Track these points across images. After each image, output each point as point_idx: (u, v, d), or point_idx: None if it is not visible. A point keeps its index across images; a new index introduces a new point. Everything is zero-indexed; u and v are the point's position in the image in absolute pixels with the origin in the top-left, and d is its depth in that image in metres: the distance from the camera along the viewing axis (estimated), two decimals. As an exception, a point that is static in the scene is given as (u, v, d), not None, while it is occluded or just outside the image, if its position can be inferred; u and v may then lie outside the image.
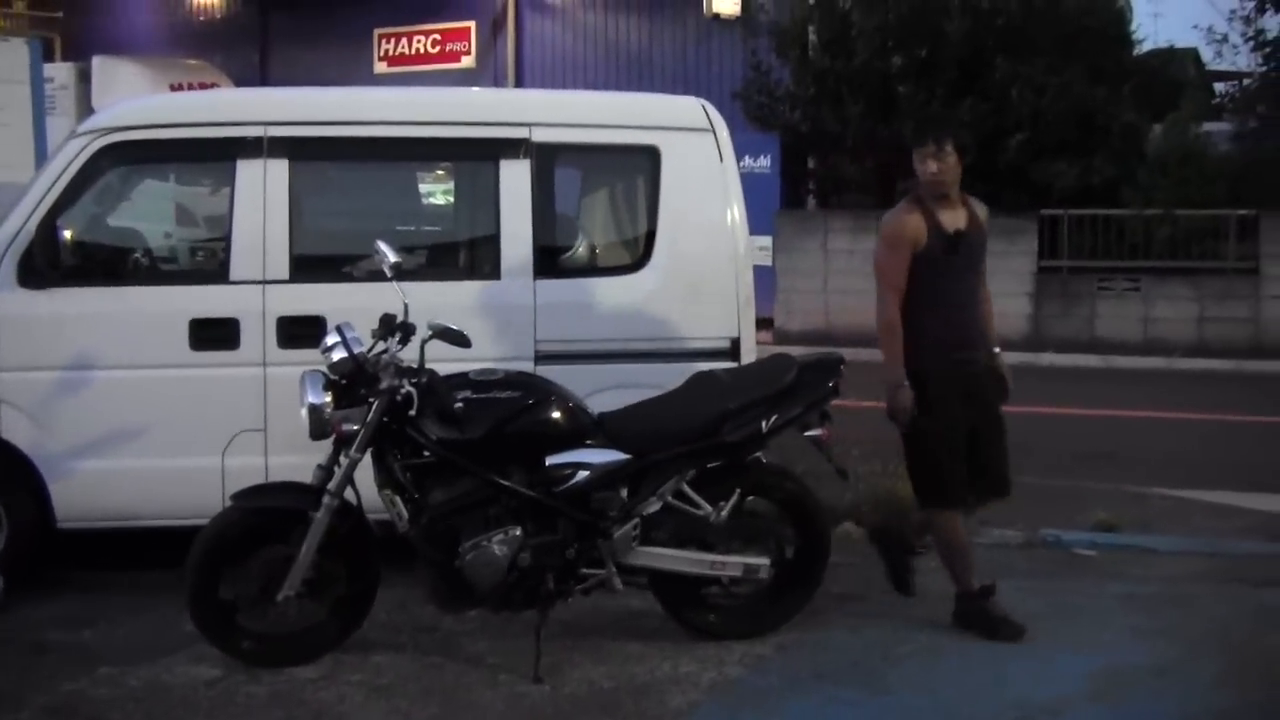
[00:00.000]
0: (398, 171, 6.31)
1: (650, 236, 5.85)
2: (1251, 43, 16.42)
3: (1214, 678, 4.70)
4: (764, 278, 12.63)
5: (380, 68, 21.50)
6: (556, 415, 4.72)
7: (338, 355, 4.58)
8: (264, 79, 21.64)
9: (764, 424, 4.85)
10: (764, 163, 16.13)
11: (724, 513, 4.86)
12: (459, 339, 4.68)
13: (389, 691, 4.50)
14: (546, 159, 5.77)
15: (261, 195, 5.51)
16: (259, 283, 5.47)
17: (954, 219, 5.04)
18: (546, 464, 4.70)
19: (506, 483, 4.63)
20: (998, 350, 5.23)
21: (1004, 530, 6.30)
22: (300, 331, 5.37)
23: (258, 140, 5.54)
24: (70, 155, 5.47)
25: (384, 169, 6.13)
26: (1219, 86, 19.27)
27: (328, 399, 4.56)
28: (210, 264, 6.03)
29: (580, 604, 4.93)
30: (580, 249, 6.14)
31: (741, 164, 6.45)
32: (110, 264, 5.72)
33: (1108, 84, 15.08)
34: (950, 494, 5.05)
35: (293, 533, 4.58)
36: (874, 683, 4.63)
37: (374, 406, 4.54)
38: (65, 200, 5.43)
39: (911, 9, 15.26)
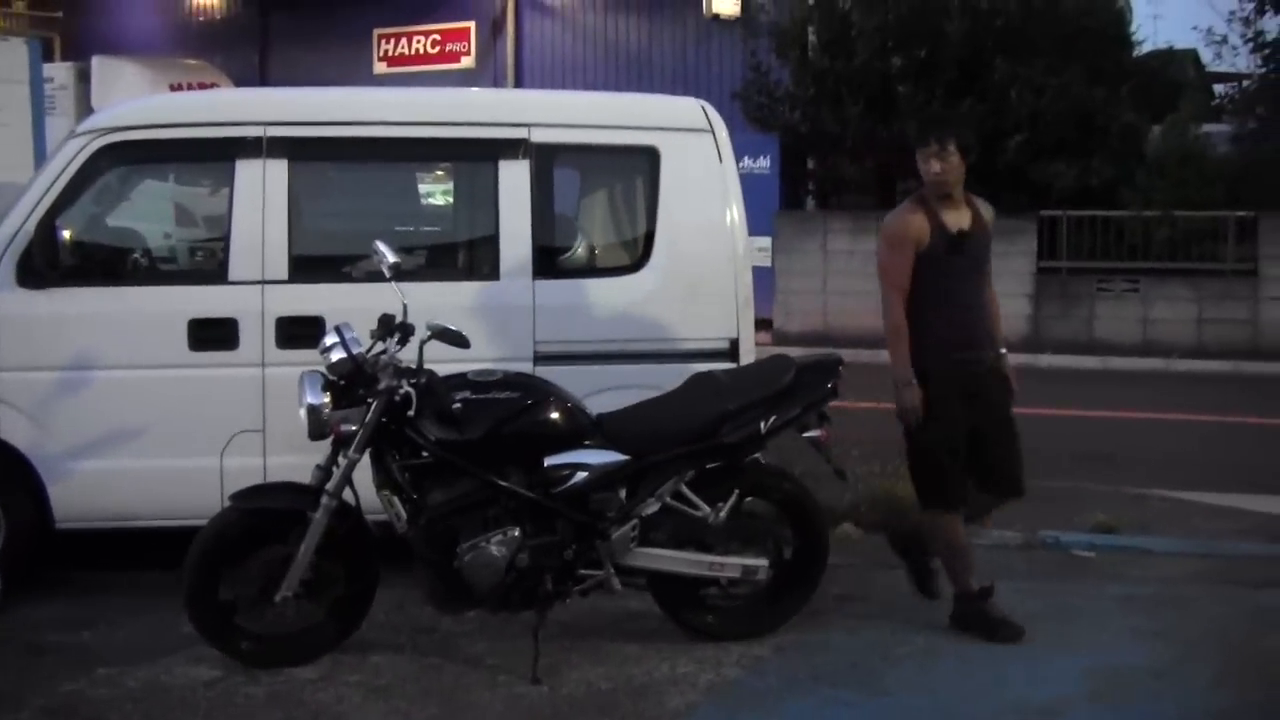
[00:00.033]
0: (397, 172, 6.30)
1: (649, 237, 5.84)
2: (1251, 44, 16.43)
3: (1212, 678, 4.70)
4: (763, 278, 12.60)
5: (380, 68, 21.49)
6: (555, 416, 4.72)
7: (336, 356, 4.58)
8: (264, 79, 21.64)
9: (763, 425, 4.84)
10: (763, 163, 16.11)
11: (722, 514, 4.86)
12: (458, 339, 4.67)
13: (387, 692, 4.50)
14: (545, 159, 5.76)
15: (261, 195, 5.50)
16: (258, 283, 5.47)
17: (958, 219, 5.02)
18: (545, 465, 4.70)
19: (505, 483, 4.63)
20: (1004, 351, 5.20)
21: (1003, 531, 6.28)
22: (299, 332, 5.36)
23: (257, 140, 5.53)
24: (69, 155, 5.47)
25: (383, 169, 6.12)
26: (1218, 88, 19.29)
27: (326, 399, 4.56)
28: (209, 264, 6.02)
29: (578, 605, 4.93)
30: (579, 250, 6.14)
31: (741, 165, 6.44)
32: (109, 264, 5.70)
33: (1107, 85, 15.06)
34: (950, 495, 5.04)
35: (291, 533, 4.58)
36: (872, 684, 4.62)
37: (372, 407, 4.54)
38: (64, 200, 5.42)
39: (911, 9, 15.25)
